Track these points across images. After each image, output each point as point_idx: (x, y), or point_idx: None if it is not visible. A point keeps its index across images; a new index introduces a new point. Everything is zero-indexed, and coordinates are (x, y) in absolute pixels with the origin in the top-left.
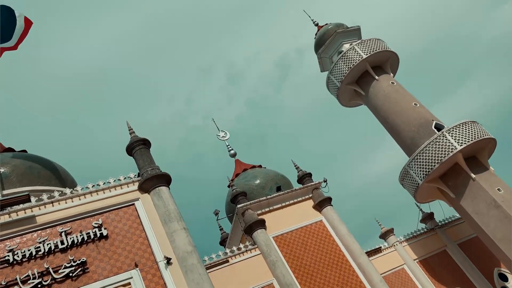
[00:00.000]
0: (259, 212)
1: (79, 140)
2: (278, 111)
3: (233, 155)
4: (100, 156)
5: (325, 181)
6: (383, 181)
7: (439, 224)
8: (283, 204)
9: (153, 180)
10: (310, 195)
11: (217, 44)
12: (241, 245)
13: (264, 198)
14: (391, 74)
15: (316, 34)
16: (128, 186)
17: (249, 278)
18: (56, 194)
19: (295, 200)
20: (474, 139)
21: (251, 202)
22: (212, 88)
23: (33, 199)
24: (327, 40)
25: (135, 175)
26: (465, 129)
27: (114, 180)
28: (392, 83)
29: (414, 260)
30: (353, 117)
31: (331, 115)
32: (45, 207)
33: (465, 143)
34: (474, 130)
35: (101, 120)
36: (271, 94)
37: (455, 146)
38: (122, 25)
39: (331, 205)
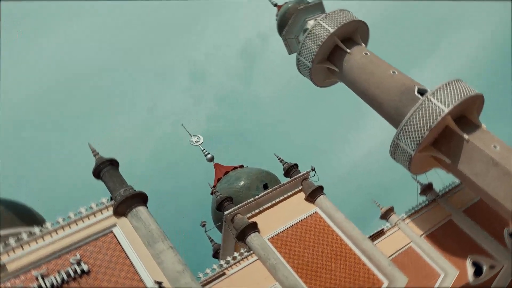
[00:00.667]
0: (249, 215)
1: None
2: (251, 104)
3: (211, 159)
4: (66, 186)
5: (313, 169)
6: (372, 159)
7: (440, 193)
8: (273, 202)
9: (128, 202)
10: (300, 187)
11: (172, 44)
12: (236, 254)
13: (252, 199)
14: (363, 45)
15: (276, 15)
16: (102, 213)
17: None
18: (24, 235)
19: (285, 196)
20: (461, 98)
21: (238, 206)
22: (175, 91)
23: None
24: (290, 20)
25: (108, 200)
26: (450, 90)
27: (86, 209)
28: (366, 53)
29: (420, 236)
30: (330, 97)
31: (307, 98)
32: (14, 252)
33: (452, 104)
34: (459, 89)
35: (60, 146)
36: (241, 86)
37: (442, 109)
38: (63, 39)
39: (324, 194)
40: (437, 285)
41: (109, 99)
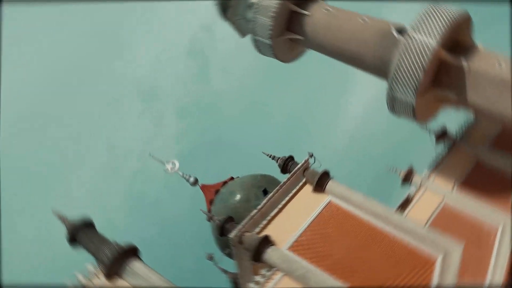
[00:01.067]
0: (257, 230)
1: None
2: (217, 104)
3: (195, 182)
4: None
5: (311, 155)
6: (371, 123)
7: (457, 136)
8: (280, 206)
9: (119, 260)
10: (304, 180)
11: (110, 67)
12: (258, 277)
13: (255, 211)
14: (321, 0)
15: None
16: (93, 283)
17: None
18: None
19: (291, 194)
20: (445, 25)
21: (242, 224)
22: (130, 119)
23: None
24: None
25: (95, 265)
26: (430, 19)
27: (73, 284)
28: (327, 9)
29: (452, 189)
30: (304, 69)
31: (278, 79)
32: None
33: (438, 34)
34: (440, 15)
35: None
36: (200, 89)
37: (429, 43)
38: None
39: (332, 178)
40: (497, 240)
41: (57, 151)
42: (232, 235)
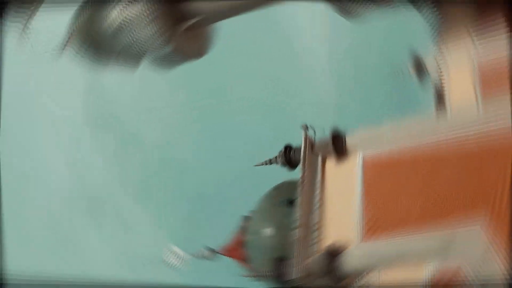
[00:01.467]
0: (314, 248)
1: None
2: (170, 153)
3: (212, 254)
4: None
5: (307, 127)
6: (339, 47)
7: None
8: (317, 205)
9: None
10: (320, 158)
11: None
12: None
13: (296, 230)
14: None
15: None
16: None
17: None
18: None
19: (318, 184)
20: None
21: (295, 255)
22: (92, 246)
23: None
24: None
25: None
26: None
27: None
28: None
29: (473, 43)
30: (231, 51)
31: (214, 79)
32: None
33: None
34: None
35: None
36: (137, 153)
37: None
38: None
39: (346, 133)
40: None
41: None
42: (293, 275)
